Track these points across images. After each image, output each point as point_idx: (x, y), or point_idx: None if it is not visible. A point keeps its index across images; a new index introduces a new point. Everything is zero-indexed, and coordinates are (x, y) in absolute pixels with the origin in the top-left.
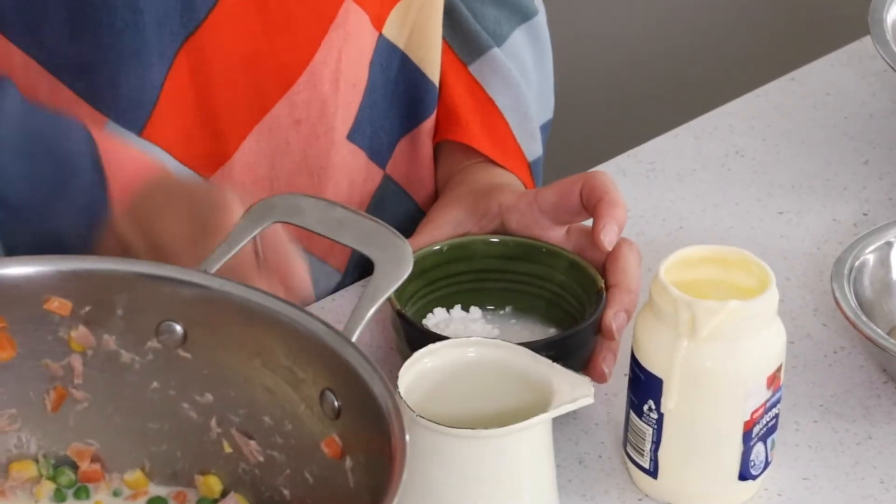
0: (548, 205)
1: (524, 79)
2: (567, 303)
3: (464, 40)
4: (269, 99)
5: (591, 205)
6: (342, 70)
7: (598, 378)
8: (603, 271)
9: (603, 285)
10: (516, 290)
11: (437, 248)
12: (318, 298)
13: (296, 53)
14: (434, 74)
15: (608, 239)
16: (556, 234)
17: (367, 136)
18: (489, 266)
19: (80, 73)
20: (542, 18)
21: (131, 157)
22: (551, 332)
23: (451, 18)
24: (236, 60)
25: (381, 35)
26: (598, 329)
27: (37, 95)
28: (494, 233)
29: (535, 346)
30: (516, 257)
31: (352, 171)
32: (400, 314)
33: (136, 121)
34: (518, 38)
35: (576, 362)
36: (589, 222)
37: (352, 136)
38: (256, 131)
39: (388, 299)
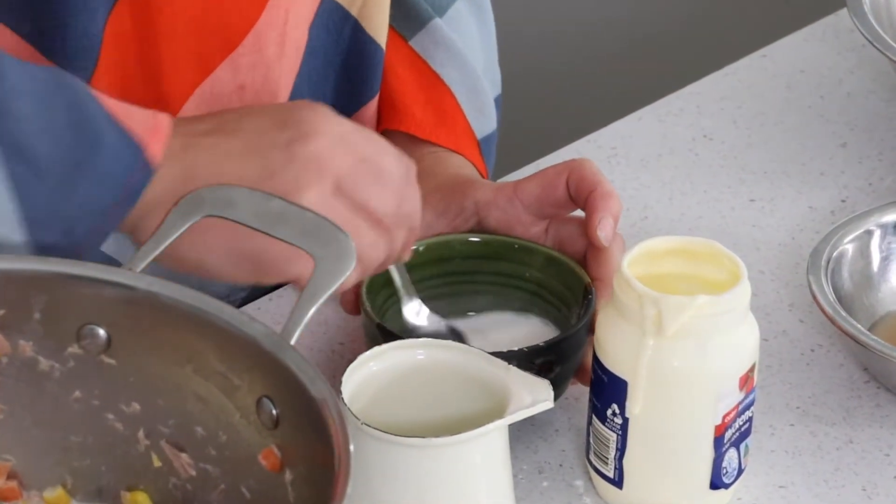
0: (530, 198)
1: (470, 50)
2: (547, 301)
3: (403, 13)
4: (213, 60)
5: (580, 196)
6: (288, 33)
7: (588, 382)
8: (585, 263)
9: (589, 281)
10: (491, 292)
11: (413, 248)
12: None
13: (242, 13)
14: (385, 44)
15: (604, 234)
16: (538, 230)
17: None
18: (463, 268)
19: (25, 14)
20: None
21: None
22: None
23: None
24: (181, 16)
25: None
26: (592, 329)
27: None
28: (470, 232)
29: (533, 351)
30: (487, 256)
31: None
32: (380, 327)
33: (83, 71)
34: (461, 8)
35: (572, 365)
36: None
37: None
38: (198, 94)
39: (364, 310)
